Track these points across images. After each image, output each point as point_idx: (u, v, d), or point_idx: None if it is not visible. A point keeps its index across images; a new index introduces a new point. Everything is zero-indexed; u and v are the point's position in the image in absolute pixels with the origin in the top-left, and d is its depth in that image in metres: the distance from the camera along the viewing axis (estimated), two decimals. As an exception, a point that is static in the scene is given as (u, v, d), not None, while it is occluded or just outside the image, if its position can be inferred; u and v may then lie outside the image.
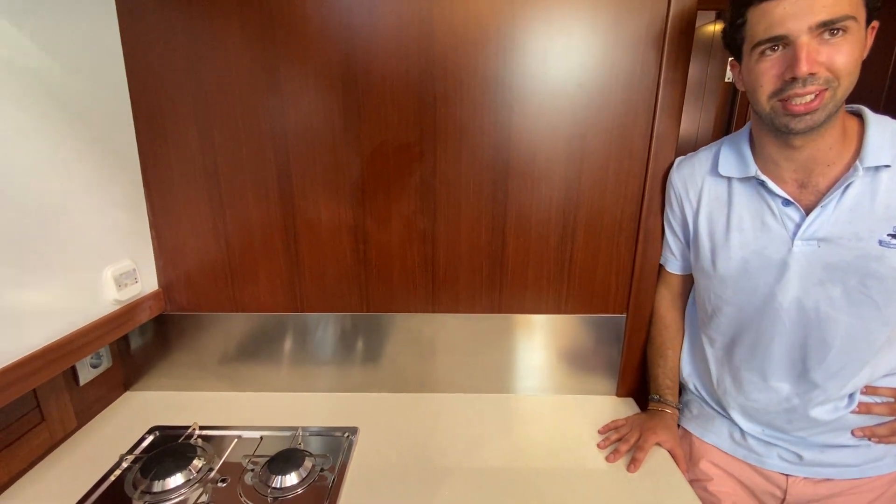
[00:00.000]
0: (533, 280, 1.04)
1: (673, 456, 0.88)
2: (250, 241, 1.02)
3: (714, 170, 0.84)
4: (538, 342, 1.08)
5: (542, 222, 1.00)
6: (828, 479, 0.82)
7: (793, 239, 0.75)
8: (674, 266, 0.98)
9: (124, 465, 0.87)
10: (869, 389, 0.80)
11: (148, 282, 1.02)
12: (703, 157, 0.88)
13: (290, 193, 0.98)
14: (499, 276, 1.04)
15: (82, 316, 0.85)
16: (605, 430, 0.97)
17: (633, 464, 0.85)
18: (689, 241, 0.91)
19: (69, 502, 0.78)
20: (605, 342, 1.08)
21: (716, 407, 0.94)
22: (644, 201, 0.97)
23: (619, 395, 1.11)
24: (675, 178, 0.91)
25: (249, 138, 0.95)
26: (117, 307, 0.92)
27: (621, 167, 0.96)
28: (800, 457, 0.83)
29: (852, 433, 0.81)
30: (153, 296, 1.03)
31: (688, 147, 0.97)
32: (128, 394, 1.12)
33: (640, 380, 1.10)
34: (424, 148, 0.95)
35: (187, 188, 0.99)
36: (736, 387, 0.88)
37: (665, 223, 0.97)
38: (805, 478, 0.84)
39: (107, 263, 0.90)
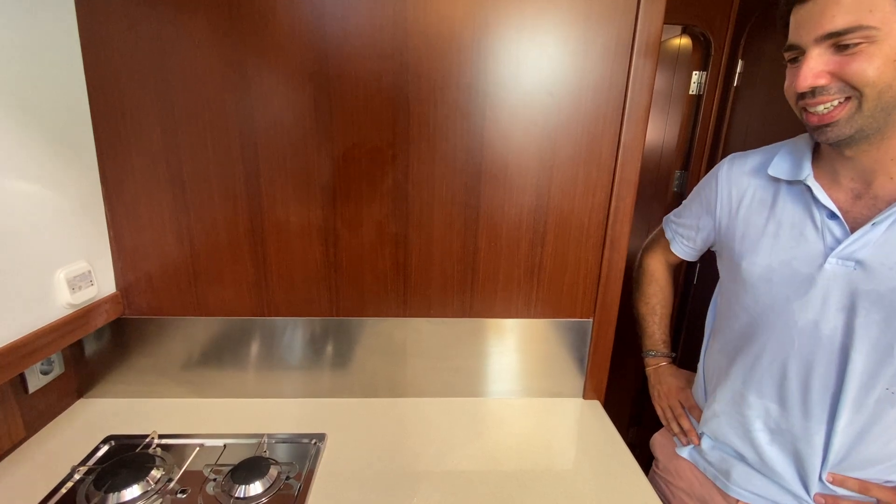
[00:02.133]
0: (503, 284, 1.05)
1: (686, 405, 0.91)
2: (216, 243, 0.99)
3: (764, 171, 0.77)
4: (508, 346, 1.09)
5: (513, 227, 1.01)
6: None
7: (827, 255, 0.67)
8: (679, 248, 0.96)
9: (77, 476, 0.83)
10: (836, 479, 0.70)
11: (105, 284, 0.97)
12: (757, 158, 0.81)
13: (258, 194, 0.96)
14: (470, 281, 1.04)
15: (31, 320, 0.80)
16: (667, 423, 0.96)
17: (691, 434, 0.87)
18: (713, 238, 0.88)
19: (14, 518, 0.74)
20: (573, 346, 1.10)
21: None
22: (610, 209, 1.00)
23: (585, 397, 1.13)
24: (723, 174, 0.84)
25: (216, 138, 0.92)
26: (70, 311, 0.88)
27: (589, 175, 0.98)
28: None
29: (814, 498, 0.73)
30: (110, 299, 0.98)
31: (653, 156, 1.00)
32: (81, 401, 1.07)
33: (605, 382, 1.13)
34: (397, 151, 0.95)
35: (149, 188, 0.95)
36: (723, 397, 0.82)
37: (691, 208, 0.91)
38: None
39: (59, 265, 0.85)
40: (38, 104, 0.80)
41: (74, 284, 0.87)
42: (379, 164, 0.96)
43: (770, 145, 0.81)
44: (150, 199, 0.96)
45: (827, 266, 0.66)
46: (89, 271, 0.91)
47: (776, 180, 0.76)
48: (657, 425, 1.01)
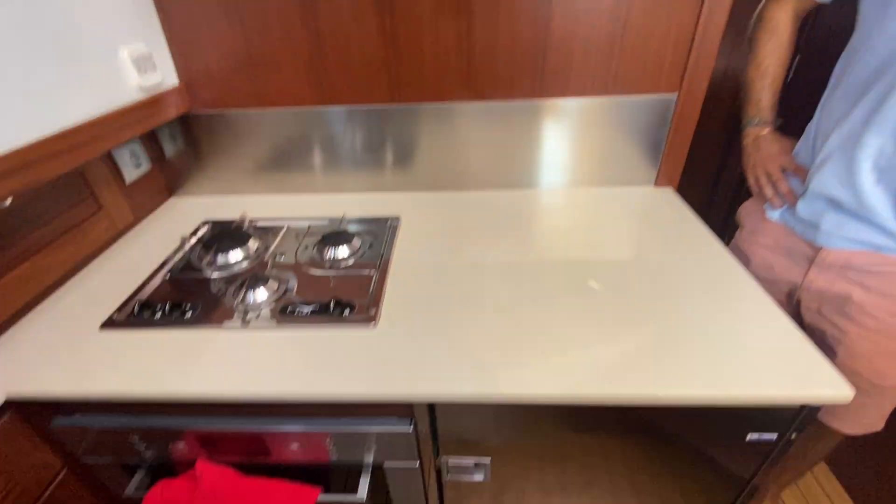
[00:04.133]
0: (579, 58, 0.94)
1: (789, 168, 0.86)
2: (266, 22, 0.92)
3: None
4: (579, 130, 1.03)
5: (593, -18, 0.86)
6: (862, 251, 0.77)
7: None
8: None
9: (186, 246, 0.93)
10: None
11: (168, 74, 0.96)
12: None
13: (303, -44, 0.85)
14: (542, 54, 0.94)
15: (110, 99, 0.82)
16: (761, 190, 0.91)
17: (789, 197, 0.85)
18: None
19: (142, 276, 0.86)
20: (649, 128, 1.02)
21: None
22: (720, -57, 0.81)
23: (657, 184, 1.09)
24: None
25: None
26: (142, 96, 0.89)
27: None
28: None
29: None
30: (176, 91, 0.98)
31: None
32: (173, 199, 1.16)
33: (682, 167, 1.07)
34: None
35: (186, -46, 0.86)
36: (835, 143, 0.75)
37: None
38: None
39: (120, 43, 0.84)
40: None
41: (139, 65, 0.86)
42: None
43: None
44: (190, -29, 0.88)
45: None
46: (150, 54, 0.90)
47: None
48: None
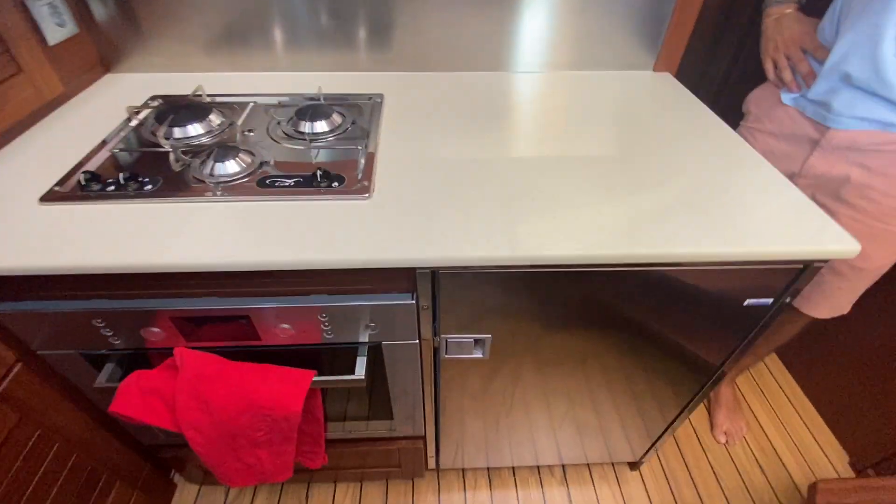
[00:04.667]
0: None
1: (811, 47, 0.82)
2: None
3: None
4: (573, 7, 0.93)
5: None
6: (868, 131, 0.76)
7: None
8: None
9: (134, 121, 0.80)
10: None
11: None
12: None
13: None
14: None
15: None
16: (779, 73, 0.87)
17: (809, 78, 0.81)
18: None
19: (84, 150, 0.73)
20: (653, 3, 0.94)
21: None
22: None
23: (656, 69, 1.03)
24: None
25: None
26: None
27: None
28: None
29: None
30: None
31: None
32: (110, 75, 0.98)
33: (682, 50, 1.01)
34: None
35: None
36: (859, 12, 0.72)
37: None
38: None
39: None
40: None
41: None
42: None
43: None
44: None
45: None
46: None
47: None
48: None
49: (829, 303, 0.94)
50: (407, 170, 0.71)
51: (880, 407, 1.18)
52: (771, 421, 1.34)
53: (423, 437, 0.98)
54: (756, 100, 0.93)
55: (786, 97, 0.86)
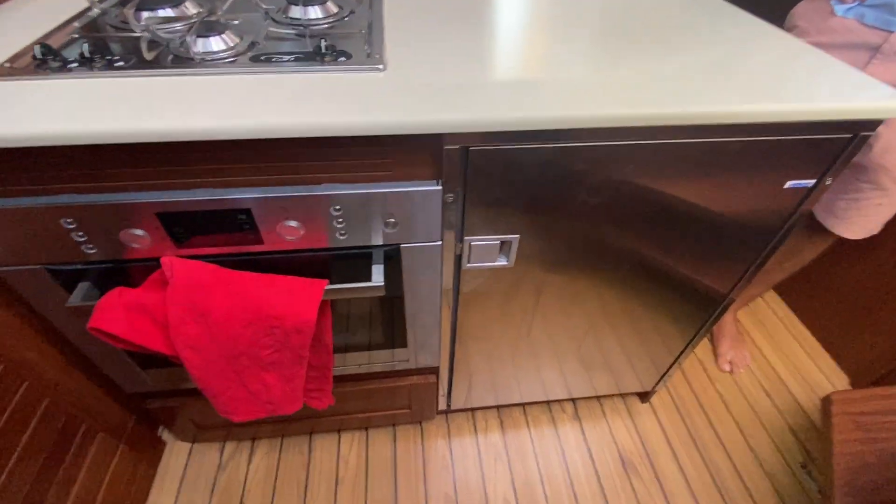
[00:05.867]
0: None
1: None
2: None
3: None
4: None
5: None
6: None
7: None
8: None
9: (96, 9, 0.69)
10: None
11: None
12: None
13: None
14: None
15: None
16: None
17: None
18: None
19: (38, 32, 0.62)
20: None
21: None
22: None
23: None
24: None
25: None
26: None
27: None
28: None
29: None
30: None
31: None
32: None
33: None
34: None
35: None
36: None
37: None
38: None
39: None
40: None
41: None
42: None
43: None
44: None
45: None
46: None
47: None
48: None
49: (865, 220, 0.92)
50: (422, 42, 0.63)
51: (874, 329, 1.19)
52: (773, 350, 1.35)
53: (437, 371, 0.92)
54: (803, 13, 0.90)
55: (839, 8, 0.82)
